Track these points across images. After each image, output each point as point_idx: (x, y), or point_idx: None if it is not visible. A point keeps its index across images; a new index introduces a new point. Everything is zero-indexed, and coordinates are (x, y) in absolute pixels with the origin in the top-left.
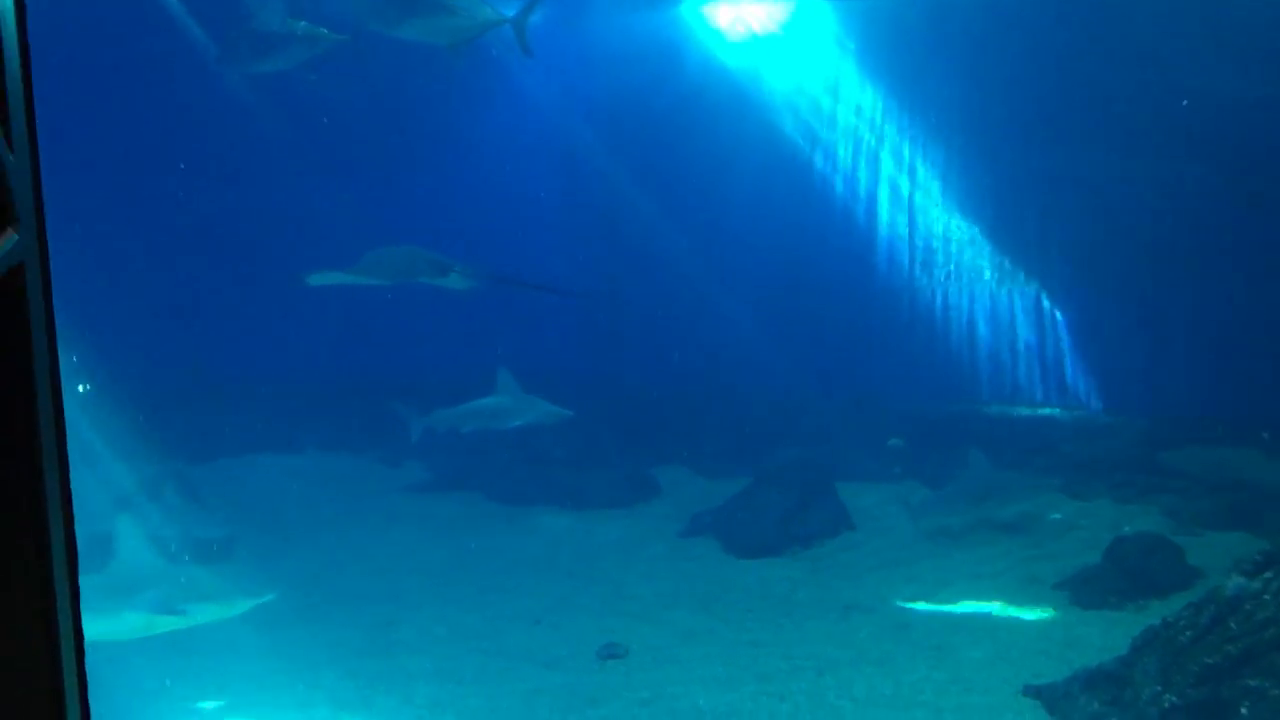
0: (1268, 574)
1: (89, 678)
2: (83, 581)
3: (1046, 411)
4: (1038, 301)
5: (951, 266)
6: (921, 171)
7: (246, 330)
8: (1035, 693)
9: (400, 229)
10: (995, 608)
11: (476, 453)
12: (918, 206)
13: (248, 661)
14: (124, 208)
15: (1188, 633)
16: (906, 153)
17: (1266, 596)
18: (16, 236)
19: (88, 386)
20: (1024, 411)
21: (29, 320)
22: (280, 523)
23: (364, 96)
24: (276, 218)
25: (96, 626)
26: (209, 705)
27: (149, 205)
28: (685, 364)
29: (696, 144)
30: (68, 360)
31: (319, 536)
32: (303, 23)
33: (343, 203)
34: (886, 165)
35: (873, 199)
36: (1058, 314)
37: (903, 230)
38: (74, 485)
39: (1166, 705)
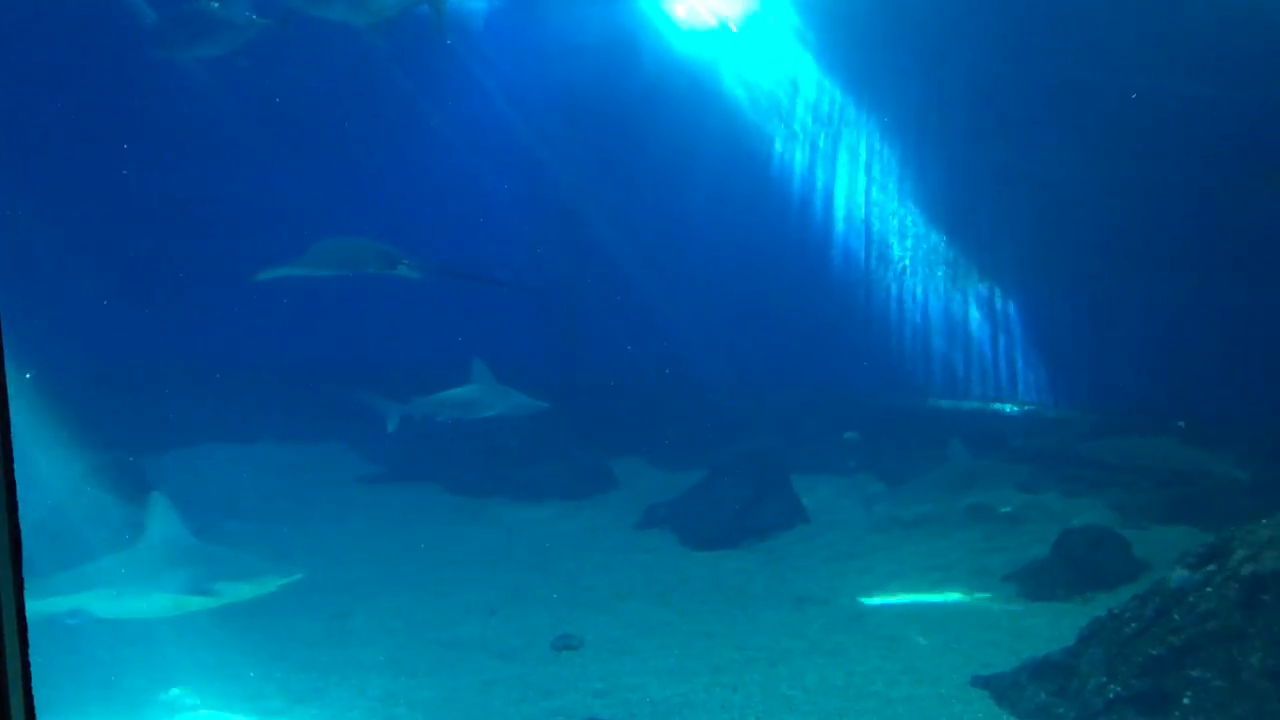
0: (1210, 567)
1: (37, 667)
2: (112, 560)
3: (997, 405)
4: (990, 296)
5: (906, 261)
6: (878, 166)
7: (201, 318)
8: (984, 683)
9: (359, 217)
10: (946, 599)
11: (432, 444)
12: (874, 201)
13: (200, 652)
14: (76, 191)
15: (1132, 624)
16: (863, 147)
17: (1209, 589)
18: None
19: (30, 374)
20: (975, 405)
21: None
22: (234, 513)
23: (325, 83)
24: (234, 203)
25: (126, 605)
26: (160, 697)
27: (102, 188)
28: (642, 355)
29: (655, 135)
30: (13, 347)
31: (273, 527)
32: (235, 8)
33: (302, 189)
34: (844, 159)
35: (830, 192)
36: (1010, 309)
37: (859, 224)
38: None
39: (1111, 695)
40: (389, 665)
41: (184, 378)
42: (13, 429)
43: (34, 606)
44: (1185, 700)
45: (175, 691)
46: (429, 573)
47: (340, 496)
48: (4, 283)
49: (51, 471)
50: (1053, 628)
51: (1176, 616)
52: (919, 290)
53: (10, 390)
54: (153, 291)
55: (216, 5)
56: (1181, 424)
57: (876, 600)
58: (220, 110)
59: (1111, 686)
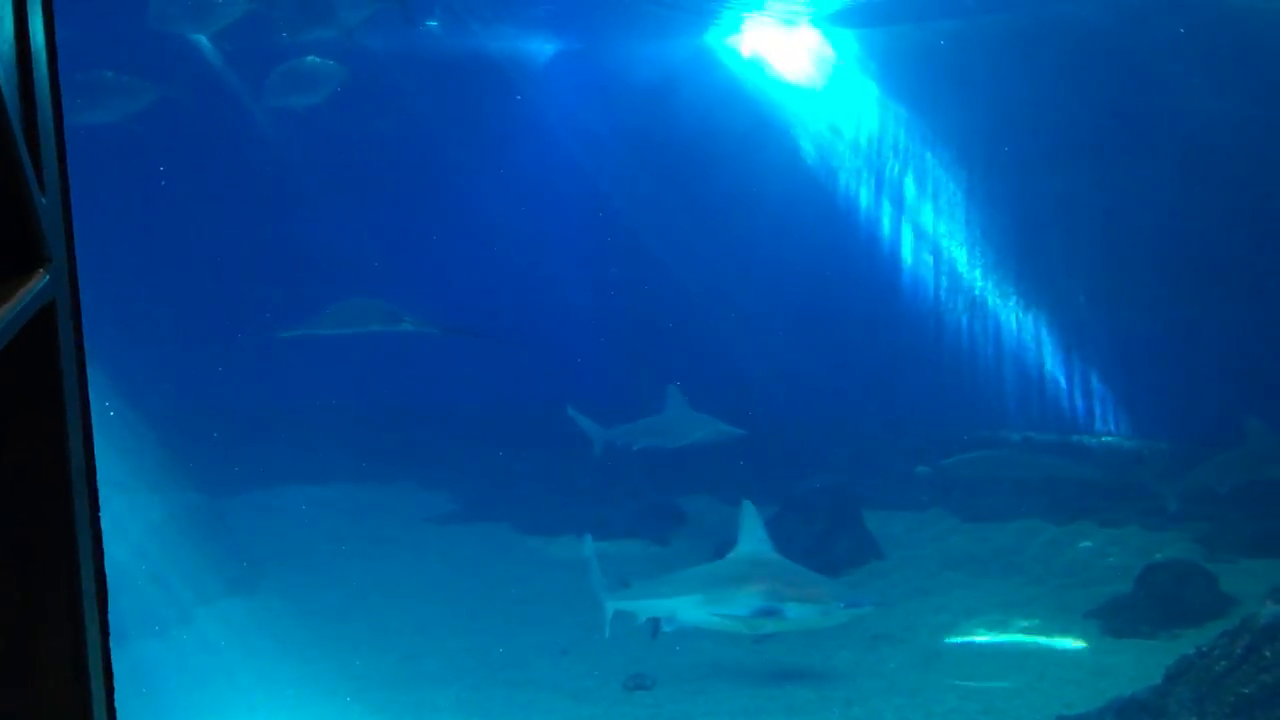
0: None
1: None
2: (704, 569)
3: (1075, 438)
4: (1062, 326)
5: (977, 292)
6: (946, 196)
7: (277, 360)
8: None
9: (426, 258)
10: (1026, 637)
11: (503, 483)
12: (943, 232)
13: (276, 691)
14: (155, 237)
15: (1222, 662)
16: (930, 178)
17: None
18: (48, 277)
19: (112, 412)
20: (1050, 437)
21: (59, 358)
22: (308, 554)
23: (391, 129)
24: (307, 247)
25: (705, 616)
26: None
27: (180, 234)
28: (712, 391)
29: (722, 171)
30: (97, 389)
31: (346, 568)
32: (126, 76)
33: (371, 233)
34: (911, 190)
35: (898, 224)
36: (1083, 338)
37: (929, 256)
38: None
39: None
40: (461, 706)
41: (260, 420)
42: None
43: (640, 606)
44: None
45: None
46: (500, 612)
47: (412, 537)
48: (91, 325)
49: (134, 514)
50: (1138, 666)
51: (1268, 654)
52: (989, 321)
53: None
54: (229, 334)
55: (110, 74)
56: (1028, 435)
57: (954, 638)
58: (302, 157)
59: None
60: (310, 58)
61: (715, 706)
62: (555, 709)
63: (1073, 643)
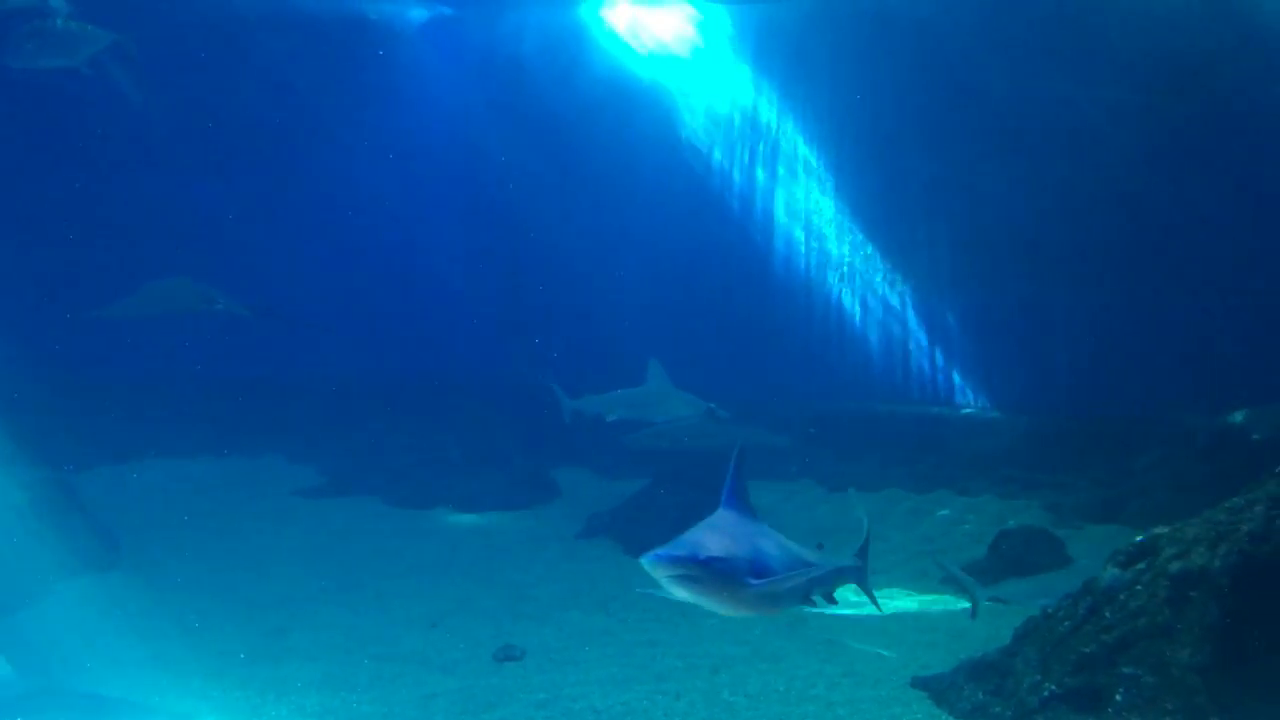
0: (1140, 565)
1: None
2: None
3: (935, 410)
4: (924, 302)
5: (844, 267)
6: (813, 174)
7: (133, 329)
8: (923, 684)
9: (288, 226)
10: (886, 603)
11: (373, 454)
12: (810, 209)
13: (133, 671)
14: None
15: (1066, 623)
16: (799, 155)
17: (1139, 587)
18: None
19: None
20: (913, 410)
21: None
22: (168, 529)
23: (254, 92)
24: (161, 212)
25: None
26: (93, 717)
27: (30, 196)
28: (586, 361)
29: (594, 143)
30: None
31: (209, 542)
32: None
33: (230, 198)
34: (780, 167)
35: (767, 201)
36: (944, 313)
37: (797, 232)
38: None
39: (1046, 694)
40: (327, 681)
41: (116, 391)
42: None
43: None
44: (1117, 697)
45: (107, 712)
46: (369, 586)
47: (278, 510)
48: None
49: None
50: (990, 628)
51: (1108, 614)
52: (855, 298)
53: None
54: (84, 300)
55: None
56: (713, 405)
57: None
58: (153, 117)
59: (1046, 685)
60: (59, 19)
61: (584, 675)
62: (424, 681)
63: (930, 607)
